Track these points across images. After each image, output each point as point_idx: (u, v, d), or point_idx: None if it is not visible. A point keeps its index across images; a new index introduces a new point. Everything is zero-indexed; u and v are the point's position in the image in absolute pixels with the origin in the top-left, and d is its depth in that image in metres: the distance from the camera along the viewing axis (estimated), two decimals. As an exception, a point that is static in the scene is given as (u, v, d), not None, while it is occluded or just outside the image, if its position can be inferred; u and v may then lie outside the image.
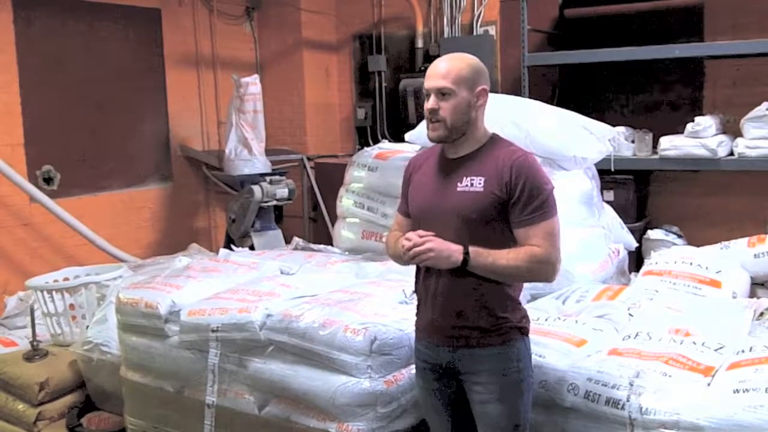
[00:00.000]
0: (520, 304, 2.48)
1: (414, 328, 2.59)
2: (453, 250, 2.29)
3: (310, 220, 7.23)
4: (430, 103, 2.39)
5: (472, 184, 2.37)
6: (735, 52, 5.70)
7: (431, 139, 2.46)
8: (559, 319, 3.09)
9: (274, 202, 6.15)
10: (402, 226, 2.61)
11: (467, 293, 2.37)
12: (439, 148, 2.54)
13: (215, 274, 3.77)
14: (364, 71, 7.60)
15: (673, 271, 3.69)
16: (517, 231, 2.36)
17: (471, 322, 2.38)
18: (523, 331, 2.45)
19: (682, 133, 5.50)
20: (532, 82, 6.11)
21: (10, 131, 5.53)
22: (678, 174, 6.14)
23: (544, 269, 2.36)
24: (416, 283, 2.57)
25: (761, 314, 3.15)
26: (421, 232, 2.33)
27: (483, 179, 2.36)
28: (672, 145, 5.51)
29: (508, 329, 2.39)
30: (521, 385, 2.41)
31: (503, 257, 2.31)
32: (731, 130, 5.63)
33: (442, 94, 2.38)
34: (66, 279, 4.41)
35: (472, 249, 2.30)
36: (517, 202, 2.33)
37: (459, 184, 2.39)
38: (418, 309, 2.57)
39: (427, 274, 2.47)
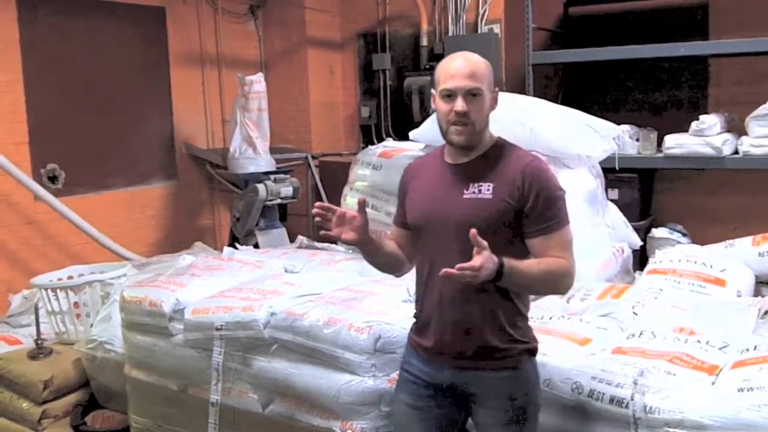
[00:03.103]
0: (527, 320, 2.37)
1: (408, 341, 2.47)
2: (494, 269, 2.05)
3: (314, 219, 7.23)
4: (459, 106, 2.20)
5: (479, 191, 2.23)
6: (740, 51, 5.69)
7: (457, 144, 2.27)
8: (563, 317, 3.08)
9: (279, 201, 6.15)
10: (397, 238, 2.49)
11: (479, 310, 2.25)
12: (439, 153, 2.40)
13: (219, 272, 3.78)
14: (368, 70, 7.60)
15: (677, 270, 3.68)
16: (532, 240, 2.23)
17: (482, 341, 2.25)
18: (533, 353, 2.36)
19: (687, 131, 5.49)
20: (537, 81, 6.10)
21: (15, 130, 5.54)
22: (683, 172, 6.14)
23: (566, 282, 2.26)
24: (417, 300, 2.43)
25: (766, 313, 3.14)
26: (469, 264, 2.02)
27: (491, 185, 2.22)
28: (677, 143, 5.50)
29: (520, 351, 2.29)
30: (528, 409, 2.31)
31: (534, 269, 2.17)
32: (736, 128, 5.62)
33: (472, 95, 2.22)
34: (70, 277, 4.41)
35: (507, 262, 2.08)
36: (532, 210, 2.20)
37: (465, 191, 2.24)
38: (415, 325, 2.44)
39: (430, 292, 2.33)
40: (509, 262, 2.09)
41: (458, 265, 2.00)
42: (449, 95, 2.24)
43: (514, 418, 2.28)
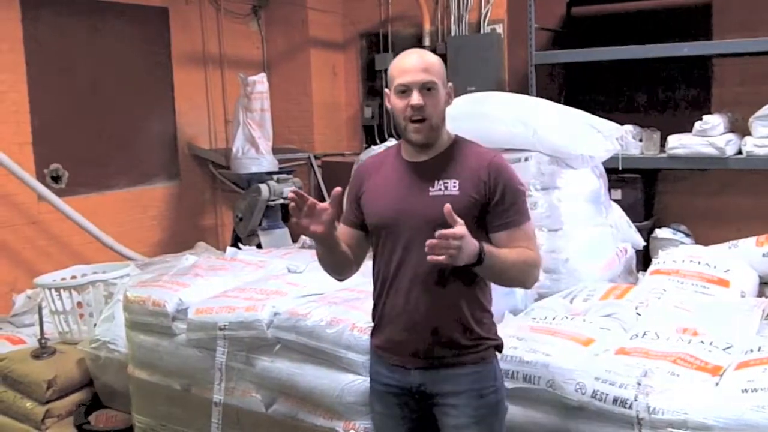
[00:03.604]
0: (491, 316, 2.38)
1: (372, 350, 2.45)
2: (475, 248, 2.06)
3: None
4: (415, 99, 2.18)
5: (446, 188, 2.22)
6: (743, 51, 5.69)
7: (416, 142, 2.25)
8: (567, 318, 3.08)
9: (281, 201, 6.16)
10: (346, 239, 2.40)
11: (446, 307, 2.25)
12: (395, 152, 2.38)
13: (222, 272, 3.78)
14: (371, 70, 7.61)
15: (680, 270, 3.67)
16: (497, 234, 2.24)
17: (448, 339, 2.25)
18: (499, 349, 2.38)
19: (690, 131, 5.49)
20: (540, 81, 6.10)
21: (19, 130, 5.55)
22: (686, 173, 6.13)
23: (535, 274, 2.29)
24: (378, 302, 2.39)
25: (770, 314, 3.13)
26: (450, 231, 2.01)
27: (457, 182, 2.23)
28: (680, 143, 5.50)
29: (486, 347, 2.31)
30: (498, 406, 2.34)
31: (510, 257, 2.18)
32: (739, 128, 5.62)
33: (427, 89, 2.20)
34: (74, 277, 4.42)
35: (486, 247, 2.10)
36: (498, 203, 2.23)
37: (431, 189, 2.23)
38: (376, 329, 2.41)
39: (394, 292, 2.31)
40: (487, 246, 2.12)
41: (441, 232, 1.98)
42: (404, 91, 2.22)
43: (484, 415, 2.29)
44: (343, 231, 2.44)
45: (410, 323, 2.28)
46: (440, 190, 2.23)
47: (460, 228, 2.01)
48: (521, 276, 2.28)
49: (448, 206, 2.03)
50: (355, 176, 2.48)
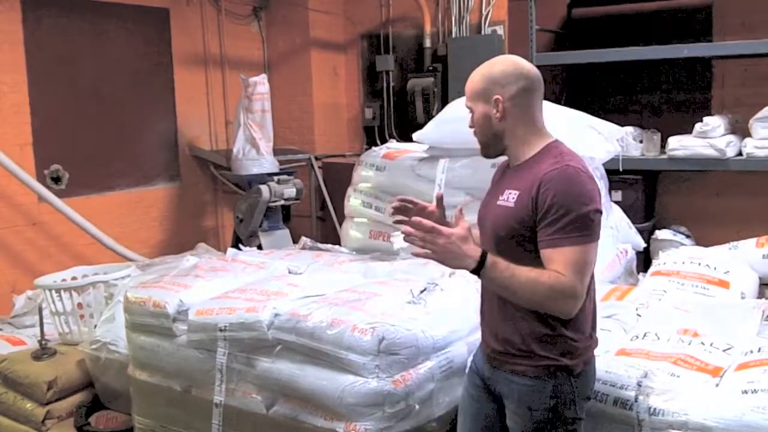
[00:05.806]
0: (563, 337, 2.19)
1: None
2: (467, 253, 2.02)
3: (317, 220, 7.24)
4: (468, 122, 2.37)
5: (507, 199, 2.20)
6: (744, 52, 5.69)
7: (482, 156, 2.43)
8: (567, 319, 3.08)
9: (282, 202, 6.16)
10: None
11: (505, 314, 2.25)
12: None
13: (223, 273, 3.78)
14: (372, 71, 7.60)
15: (681, 272, 3.68)
16: (541, 254, 2.10)
17: (504, 342, 2.28)
18: (561, 369, 2.20)
19: (691, 133, 5.49)
20: (540, 82, 6.09)
21: (19, 131, 5.55)
22: (686, 174, 6.14)
23: (562, 303, 2.07)
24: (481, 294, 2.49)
25: (770, 315, 3.14)
26: (430, 224, 2.04)
27: (517, 194, 2.17)
28: (680, 145, 5.51)
29: (544, 365, 2.20)
30: (548, 426, 2.22)
31: (523, 276, 2.05)
32: (740, 130, 5.62)
33: (470, 111, 2.34)
34: (74, 278, 4.41)
35: (491, 258, 2.04)
36: (542, 219, 2.09)
37: (500, 197, 2.23)
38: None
39: (484, 288, 2.39)
40: (495, 260, 2.05)
41: (420, 222, 2.05)
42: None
43: (532, 429, 2.25)
44: None
45: (485, 318, 2.41)
46: (504, 200, 2.23)
47: (456, 230, 2.07)
48: (542, 301, 2.08)
49: (458, 208, 2.22)
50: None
